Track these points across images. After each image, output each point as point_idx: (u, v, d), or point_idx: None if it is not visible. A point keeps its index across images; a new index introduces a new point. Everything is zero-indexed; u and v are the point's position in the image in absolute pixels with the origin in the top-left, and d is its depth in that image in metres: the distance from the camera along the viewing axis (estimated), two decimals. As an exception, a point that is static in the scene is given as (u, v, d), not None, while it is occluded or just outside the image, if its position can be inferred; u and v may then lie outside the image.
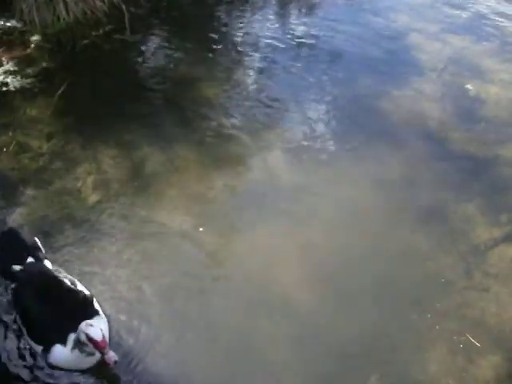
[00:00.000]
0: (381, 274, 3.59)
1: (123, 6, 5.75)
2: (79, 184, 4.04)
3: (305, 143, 4.56)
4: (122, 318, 3.24)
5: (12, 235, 3.32)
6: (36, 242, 3.35)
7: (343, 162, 4.40)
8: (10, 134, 4.42)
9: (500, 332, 3.34)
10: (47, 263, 3.27)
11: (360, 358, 3.15)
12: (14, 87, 4.88)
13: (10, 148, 4.30)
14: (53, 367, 2.95)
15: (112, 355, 2.75)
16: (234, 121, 4.74)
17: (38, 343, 2.95)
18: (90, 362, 2.89)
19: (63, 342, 2.85)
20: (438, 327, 3.33)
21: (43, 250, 3.34)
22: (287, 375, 3.07)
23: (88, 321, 2.82)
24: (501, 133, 4.86)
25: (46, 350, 2.90)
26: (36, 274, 3.13)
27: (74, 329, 2.81)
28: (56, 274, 3.14)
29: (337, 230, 3.87)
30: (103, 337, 2.74)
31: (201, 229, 3.79)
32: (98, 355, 2.83)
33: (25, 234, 3.39)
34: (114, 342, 3.07)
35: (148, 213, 3.87)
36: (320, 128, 4.75)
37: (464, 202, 4.13)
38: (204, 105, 4.90)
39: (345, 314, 3.36)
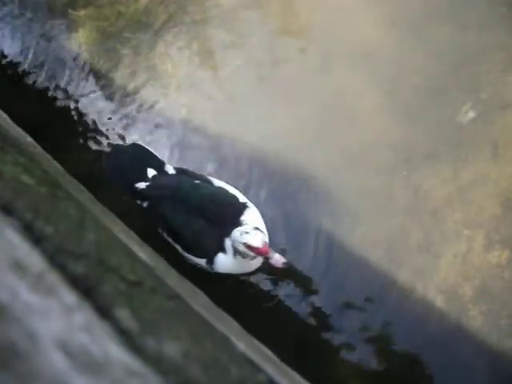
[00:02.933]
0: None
1: None
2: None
3: None
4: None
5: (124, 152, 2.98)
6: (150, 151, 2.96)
7: None
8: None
9: None
10: (169, 168, 2.90)
11: (450, 88, 3.06)
12: None
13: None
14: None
15: (277, 258, 2.45)
16: None
17: (200, 257, 2.74)
18: (258, 262, 2.68)
19: (223, 250, 2.63)
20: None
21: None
22: (379, 119, 3.08)
23: (240, 228, 2.53)
24: None
25: (210, 262, 2.70)
26: (168, 186, 2.77)
27: (228, 233, 2.58)
28: (186, 178, 2.81)
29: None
30: (263, 242, 2.45)
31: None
32: None
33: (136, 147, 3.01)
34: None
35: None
36: None
37: None
38: None
39: (426, 50, 3.19)
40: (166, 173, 2.85)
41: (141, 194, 2.79)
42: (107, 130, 3.40)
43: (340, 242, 2.81)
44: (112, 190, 3.10)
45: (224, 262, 2.66)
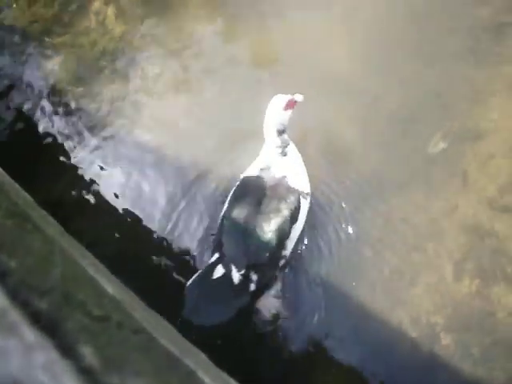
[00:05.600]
0: (432, 27, 3.40)
1: None
2: (101, 18, 3.91)
3: None
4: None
5: None
6: None
7: None
8: (12, -12, 4.21)
9: None
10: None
11: (419, 121, 3.12)
12: None
13: (21, 2, 4.13)
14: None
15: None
16: None
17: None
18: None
19: None
20: (495, 74, 3.20)
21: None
22: (352, 148, 3.11)
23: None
24: None
25: None
26: None
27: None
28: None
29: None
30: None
31: (236, 31, 3.64)
32: None
33: None
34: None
35: (177, 25, 3.74)
36: None
37: None
38: None
39: (396, 82, 3.27)
40: None
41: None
42: (75, 157, 3.38)
43: (313, 271, 2.81)
44: (84, 218, 3.08)
45: None
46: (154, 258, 2.94)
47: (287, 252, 2.66)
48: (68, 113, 3.56)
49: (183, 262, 2.92)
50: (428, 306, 2.70)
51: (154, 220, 3.06)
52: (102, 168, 3.30)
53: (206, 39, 3.65)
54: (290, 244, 2.66)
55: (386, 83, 3.27)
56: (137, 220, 3.09)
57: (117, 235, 3.07)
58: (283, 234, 2.59)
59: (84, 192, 3.26)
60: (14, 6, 4.12)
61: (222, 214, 2.74)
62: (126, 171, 3.25)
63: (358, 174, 3.02)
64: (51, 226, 2.23)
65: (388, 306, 2.70)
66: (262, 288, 2.56)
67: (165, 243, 2.99)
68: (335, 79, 3.31)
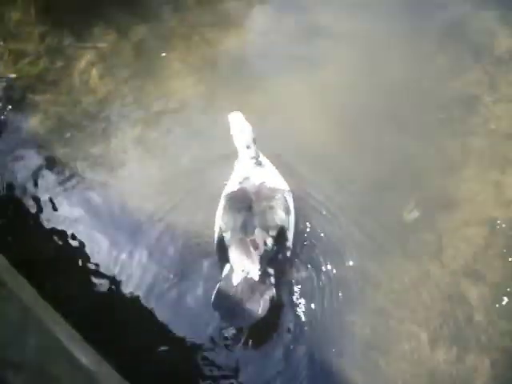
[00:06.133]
0: (404, 99, 3.53)
1: None
2: (85, 77, 3.97)
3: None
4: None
5: None
6: None
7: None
8: (1, 43, 4.26)
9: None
10: None
11: (393, 188, 3.19)
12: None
13: (6, 58, 4.19)
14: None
15: None
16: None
17: None
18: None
19: None
20: (467, 145, 3.32)
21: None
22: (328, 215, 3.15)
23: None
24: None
25: None
26: None
27: None
28: None
29: (351, 66, 3.74)
30: None
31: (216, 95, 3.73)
32: None
33: None
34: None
35: (159, 89, 3.81)
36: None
37: (482, 13, 3.91)
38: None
39: (369, 147, 3.36)
40: None
41: None
42: (49, 216, 3.34)
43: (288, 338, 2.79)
44: (59, 277, 3.03)
45: None
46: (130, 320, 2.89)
47: (290, 243, 2.86)
48: (45, 170, 3.56)
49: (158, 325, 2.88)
50: (404, 373, 2.69)
51: (127, 277, 3.04)
52: (76, 227, 3.27)
53: (189, 103, 3.71)
54: (290, 235, 2.86)
55: (361, 152, 3.36)
56: (111, 277, 3.06)
57: (90, 293, 3.02)
58: (283, 226, 2.80)
59: (58, 250, 3.22)
60: (0, 61, 4.17)
61: (216, 233, 2.89)
62: (100, 230, 3.23)
63: (333, 237, 3.05)
64: (26, 291, 2.20)
65: (362, 375, 2.69)
66: (279, 278, 2.73)
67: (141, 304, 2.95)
68: (310, 146, 3.38)
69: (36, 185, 3.48)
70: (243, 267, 2.64)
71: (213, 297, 2.64)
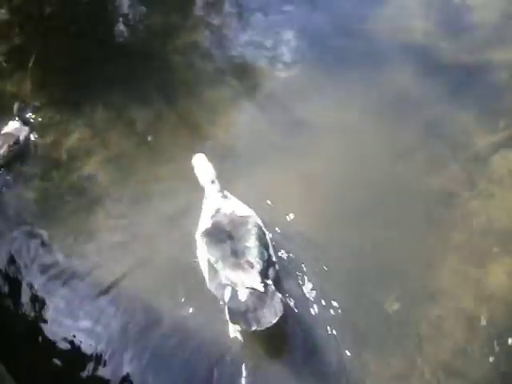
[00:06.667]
0: (383, 193, 3.60)
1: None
2: (72, 153, 4.02)
3: (292, 74, 4.49)
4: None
5: None
6: None
7: (331, 90, 4.33)
8: (-4, 115, 4.35)
9: (509, 235, 3.36)
10: None
11: (373, 282, 3.19)
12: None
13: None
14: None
15: None
16: (217, 65, 4.66)
17: None
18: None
19: None
20: (447, 240, 3.37)
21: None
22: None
23: None
24: (490, 37, 4.75)
25: None
26: None
27: None
28: None
29: (334, 159, 3.83)
30: None
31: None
32: None
33: None
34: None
35: (150, 170, 3.86)
36: (305, 56, 4.70)
37: (459, 112, 4.09)
38: (185, 53, 4.80)
39: (352, 239, 3.39)
40: None
41: None
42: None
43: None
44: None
45: None
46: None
47: (274, 257, 3.12)
48: (24, 242, 3.52)
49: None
50: None
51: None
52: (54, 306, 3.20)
53: (175, 188, 3.72)
54: (272, 251, 3.13)
55: (345, 243, 3.38)
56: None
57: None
58: (265, 244, 3.08)
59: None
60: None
61: (206, 268, 3.08)
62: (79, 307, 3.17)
63: (314, 324, 3.04)
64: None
65: None
66: (277, 285, 2.98)
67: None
68: (295, 235, 3.41)
69: (13, 262, 3.43)
70: (246, 284, 2.85)
71: (228, 316, 2.83)
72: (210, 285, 3.05)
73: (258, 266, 2.91)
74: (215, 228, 3.15)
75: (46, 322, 3.16)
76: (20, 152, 4.03)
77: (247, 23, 5.13)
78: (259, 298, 2.82)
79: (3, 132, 4.10)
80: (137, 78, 4.55)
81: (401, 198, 3.58)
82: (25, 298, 3.26)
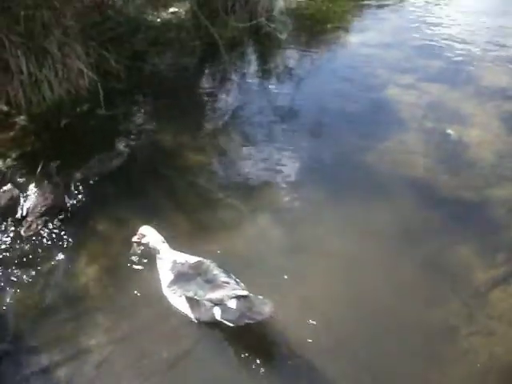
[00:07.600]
0: (383, 325, 3.50)
1: (98, 84, 5.84)
2: (69, 265, 3.95)
3: (294, 203, 4.57)
4: None
5: None
6: None
7: (333, 217, 4.40)
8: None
9: (510, 374, 3.25)
10: None
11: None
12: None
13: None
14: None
15: None
16: (221, 186, 4.76)
17: None
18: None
19: None
20: (447, 375, 3.23)
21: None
22: None
23: None
24: (488, 174, 4.93)
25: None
26: None
27: None
28: None
29: (334, 285, 3.79)
30: None
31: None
32: None
33: None
34: None
35: (144, 285, 3.77)
36: (307, 183, 4.81)
37: (459, 246, 4.10)
38: (191, 173, 4.93)
39: (350, 371, 3.25)
40: None
41: None
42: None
43: None
44: None
45: None
46: None
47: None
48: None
49: None
50: None
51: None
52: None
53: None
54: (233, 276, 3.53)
55: (341, 377, 3.22)
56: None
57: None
58: (227, 273, 3.53)
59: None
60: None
61: (188, 304, 3.43)
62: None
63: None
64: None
65: None
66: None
67: None
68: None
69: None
70: (231, 295, 3.26)
71: (228, 322, 3.22)
72: (196, 315, 3.41)
73: (232, 281, 3.38)
74: (180, 274, 3.58)
75: None
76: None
77: (253, 150, 5.31)
78: (247, 299, 3.24)
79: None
80: (138, 194, 4.63)
81: (401, 331, 3.47)
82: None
